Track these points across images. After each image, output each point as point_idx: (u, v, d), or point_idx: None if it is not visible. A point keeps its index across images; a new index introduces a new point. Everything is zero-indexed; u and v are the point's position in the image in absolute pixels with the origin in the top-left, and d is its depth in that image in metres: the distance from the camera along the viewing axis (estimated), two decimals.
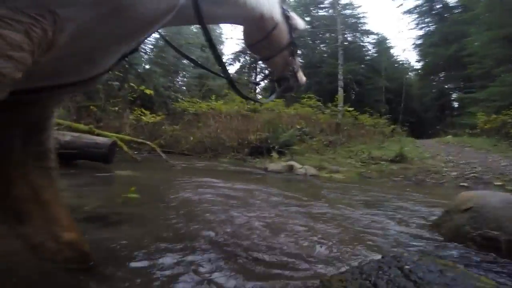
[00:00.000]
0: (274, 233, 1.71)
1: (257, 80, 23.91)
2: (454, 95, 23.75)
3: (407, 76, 27.32)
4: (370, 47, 26.57)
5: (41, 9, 0.51)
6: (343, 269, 1.05)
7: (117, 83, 10.45)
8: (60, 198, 0.95)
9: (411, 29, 29.23)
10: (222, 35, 24.05)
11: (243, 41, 1.71)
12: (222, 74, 1.44)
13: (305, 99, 12.73)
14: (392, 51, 28.36)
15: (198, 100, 12.20)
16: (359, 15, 25.60)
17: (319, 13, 27.46)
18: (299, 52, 1.97)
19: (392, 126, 13.80)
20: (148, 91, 8.58)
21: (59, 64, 0.67)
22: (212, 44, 1.19)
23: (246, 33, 1.58)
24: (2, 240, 1.02)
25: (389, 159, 7.26)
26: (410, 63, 30.01)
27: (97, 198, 2.38)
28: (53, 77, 0.73)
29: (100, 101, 9.44)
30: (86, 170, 3.87)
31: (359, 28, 25.84)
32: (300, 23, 1.71)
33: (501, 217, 1.32)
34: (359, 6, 27.17)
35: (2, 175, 0.83)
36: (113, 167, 4.13)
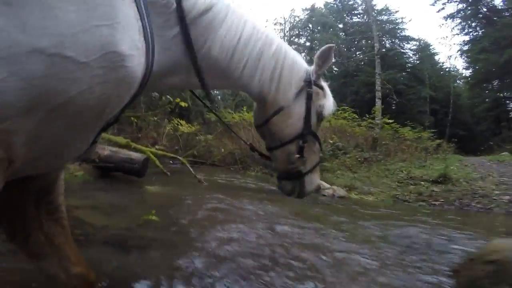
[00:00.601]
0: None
1: None
2: (511, 105, 21.25)
3: (455, 84, 25.13)
4: (411, 54, 25.11)
5: None
6: None
7: (156, 93, 11.16)
8: (70, 241, 1.13)
9: (456, 34, 26.80)
10: None
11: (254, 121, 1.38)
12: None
13: (340, 111, 12.23)
14: (436, 57, 26.44)
15: (230, 110, 12.48)
16: (397, 21, 24.39)
17: (353, 19, 26.75)
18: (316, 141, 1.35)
19: (437, 141, 12.56)
20: (183, 104, 8.99)
21: (35, 162, 0.71)
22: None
23: (254, 111, 1.32)
24: None
25: (430, 179, 6.67)
26: (457, 70, 27.62)
27: (123, 217, 2.52)
28: (35, 167, 0.77)
29: (141, 112, 10.13)
30: (120, 184, 4.16)
31: (397, 35, 24.61)
32: (328, 107, 1.27)
33: None
34: (397, 11, 25.92)
35: (21, 228, 1.01)
36: (144, 181, 4.38)
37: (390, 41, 24.83)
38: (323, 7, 27.95)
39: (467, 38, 22.93)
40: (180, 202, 3.43)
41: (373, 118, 11.64)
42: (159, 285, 1.41)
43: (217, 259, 1.81)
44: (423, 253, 2.28)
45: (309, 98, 1.18)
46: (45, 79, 0.56)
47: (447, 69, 26.49)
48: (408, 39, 24.80)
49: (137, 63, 0.72)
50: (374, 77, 12.90)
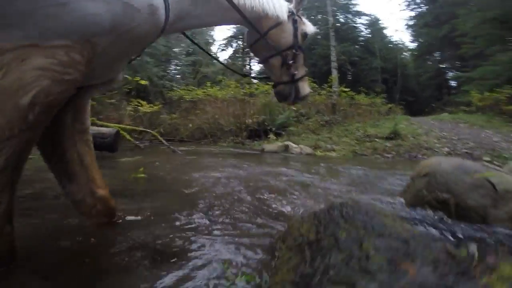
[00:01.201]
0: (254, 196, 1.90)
1: (252, 63, 23.76)
2: (450, 74, 23.73)
3: (402, 56, 27.16)
4: (363, 28, 26.28)
5: (83, 39, 0.86)
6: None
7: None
8: (95, 163, 1.26)
9: (403, 10, 28.86)
10: None
11: (246, 40, 1.69)
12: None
13: None
14: (385, 32, 28.06)
15: (193, 87, 12.20)
16: None
17: None
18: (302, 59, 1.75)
19: (389, 105, 13.81)
20: (143, 82, 8.59)
21: (91, 71, 0.96)
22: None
23: (248, 33, 1.63)
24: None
25: (383, 136, 7.43)
26: (404, 43, 29.74)
27: (110, 178, 2.55)
28: (91, 79, 1.07)
29: (97, 95, 9.49)
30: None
31: (350, 10, 25.48)
32: (309, 28, 1.72)
33: (450, 181, 1.43)
34: None
35: (58, 146, 1.16)
36: (118, 156, 4.30)
37: (344, 16, 25.63)
38: None
39: (412, 13, 24.75)
40: (163, 164, 3.50)
41: (331, 87, 12.26)
42: (172, 220, 1.56)
43: (205, 194, 2.01)
44: (377, 184, 2.71)
45: (295, 22, 1.62)
46: (121, 15, 0.91)
47: (395, 42, 28.43)
48: (360, 14, 25.84)
49: (162, 12, 1.05)
50: (330, 49, 13.42)
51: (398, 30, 53.19)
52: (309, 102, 11.22)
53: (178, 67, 19.05)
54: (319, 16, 25.39)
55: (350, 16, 25.81)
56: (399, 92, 21.69)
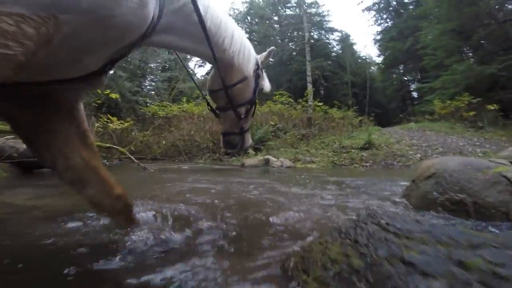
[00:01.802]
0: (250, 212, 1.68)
1: None
2: (413, 86, 25.34)
3: (370, 70, 28.68)
4: (335, 43, 27.60)
5: (48, 13, 0.70)
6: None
7: None
8: (102, 164, 1.20)
9: (371, 25, 30.93)
10: None
11: (208, 85, 1.61)
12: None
13: (277, 96, 12.90)
14: (355, 47, 29.69)
15: (168, 103, 11.86)
16: (323, 13, 26.55)
17: (287, 12, 28.07)
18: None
19: (360, 118, 14.37)
20: (113, 96, 8.15)
21: (51, 59, 0.83)
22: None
23: (214, 76, 1.53)
24: None
25: (359, 147, 7.56)
26: (372, 58, 31.56)
27: (58, 199, 2.20)
28: (48, 71, 0.90)
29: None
30: (49, 179, 3.57)
31: (324, 26, 26.77)
32: (267, 85, 1.73)
33: (462, 180, 1.35)
34: (323, 5, 28.17)
35: (59, 152, 1.08)
36: None
37: (318, 32, 26.82)
38: (261, 0, 28.50)
39: (379, 28, 26.42)
40: (131, 182, 3.15)
41: (306, 101, 12.51)
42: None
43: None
44: (370, 190, 2.60)
45: (257, 76, 1.59)
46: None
47: (363, 57, 30.08)
48: (332, 30, 27.21)
49: (152, 8, 0.93)
50: (305, 65, 13.79)
51: (367, 46, 56.82)
52: (286, 117, 11.35)
53: (153, 83, 18.60)
54: (295, 33, 26.42)
55: (323, 32, 27.07)
56: (368, 105, 22.71)
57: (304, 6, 17.31)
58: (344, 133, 9.86)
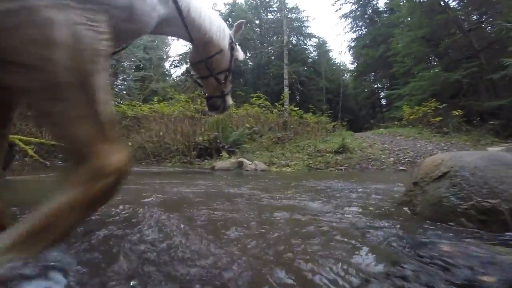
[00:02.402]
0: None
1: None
2: (382, 93, 26.18)
3: (344, 77, 29.35)
4: (311, 49, 27.93)
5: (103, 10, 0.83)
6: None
7: None
8: None
9: (347, 32, 31.58)
10: (168, 37, 22.66)
11: (189, 59, 1.86)
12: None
13: (254, 99, 12.57)
14: (330, 54, 30.27)
15: (138, 103, 11.03)
16: (303, 19, 26.78)
17: (268, 16, 28.01)
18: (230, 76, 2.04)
19: (333, 123, 14.53)
20: None
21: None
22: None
23: (193, 52, 1.76)
24: None
25: (333, 150, 7.35)
26: (346, 65, 32.34)
27: None
28: None
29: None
30: None
31: (303, 32, 26.99)
32: (240, 55, 1.98)
33: (490, 179, 0.98)
34: (304, 10, 28.40)
35: None
36: (10, 174, 3.14)
37: (296, 37, 26.95)
38: (243, 2, 28.08)
39: (354, 35, 26.94)
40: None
41: (282, 105, 12.29)
42: None
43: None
44: (356, 196, 2.22)
45: (232, 48, 1.83)
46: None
47: (338, 64, 30.72)
48: (310, 36, 27.47)
49: (158, 12, 1.17)
50: (283, 69, 13.62)
51: (342, 52, 58.06)
52: (262, 120, 11.00)
53: (126, 82, 17.49)
54: (275, 37, 26.35)
55: (301, 38, 27.25)
56: (341, 111, 23.08)
57: (285, 10, 17.20)
58: (319, 137, 9.69)
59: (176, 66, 22.88)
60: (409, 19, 14.98)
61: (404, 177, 4.20)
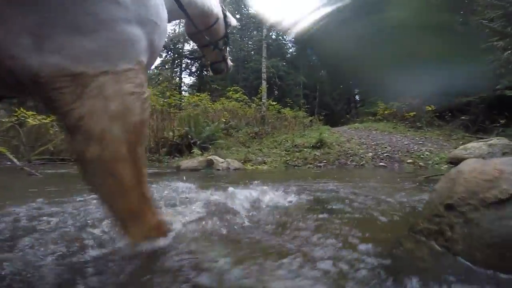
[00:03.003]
0: None
1: (183, 76, 22.10)
2: (357, 89, 26.39)
3: (320, 73, 29.31)
4: (290, 45, 27.49)
5: (138, 60, 0.80)
6: None
7: None
8: None
9: None
10: None
11: (186, 29, 1.89)
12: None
13: (231, 92, 11.94)
14: (309, 50, 30.02)
15: None
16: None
17: (250, 11, 27.09)
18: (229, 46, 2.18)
19: (310, 118, 14.31)
20: None
21: None
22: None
23: (190, 24, 1.70)
24: None
25: (311, 145, 6.95)
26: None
27: None
28: None
29: None
30: None
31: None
32: (233, 21, 2.05)
33: None
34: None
35: None
36: None
37: (276, 32, 26.31)
38: None
39: None
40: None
41: (260, 99, 11.77)
42: None
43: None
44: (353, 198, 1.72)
45: (225, 16, 1.96)
46: (152, 34, 0.88)
47: (315, 60, 30.51)
48: (288, 31, 26.99)
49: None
50: (261, 63, 13.06)
51: None
52: (240, 115, 10.40)
53: None
54: (255, 32, 25.55)
55: (280, 33, 26.67)
56: (318, 106, 22.98)
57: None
58: (296, 132, 9.27)
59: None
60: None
61: (387, 175, 3.83)
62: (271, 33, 23.25)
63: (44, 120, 7.02)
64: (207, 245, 0.93)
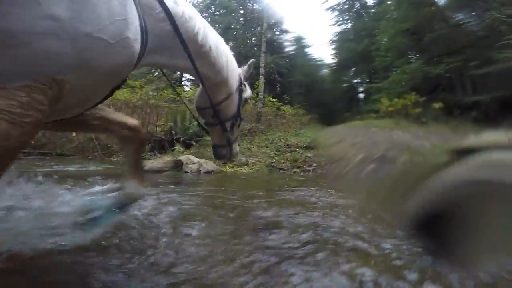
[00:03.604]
0: None
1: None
2: (360, 88, 25.26)
3: (321, 72, 28.27)
4: (290, 43, 26.59)
5: (48, 78, 0.73)
6: None
7: None
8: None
9: (331, 25, 29.57)
10: None
11: (195, 103, 1.57)
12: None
13: None
14: (309, 49, 29.01)
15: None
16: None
17: (254, 6, 26.17)
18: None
19: (310, 116, 13.81)
20: None
21: (64, 106, 0.87)
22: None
23: (200, 95, 1.49)
24: None
25: (304, 145, 6.34)
26: (324, 60, 31.00)
27: None
28: (65, 112, 0.97)
29: None
30: None
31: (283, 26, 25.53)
32: (248, 93, 1.67)
33: None
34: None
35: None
36: None
37: (278, 29, 25.41)
38: None
39: (339, 29, 25.20)
40: None
41: (257, 95, 11.17)
42: None
43: None
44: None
45: (241, 92, 1.58)
46: (89, 51, 0.78)
47: (315, 59, 29.35)
48: (288, 32, 26.00)
49: (138, 45, 0.93)
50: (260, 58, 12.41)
51: (324, 47, 54.67)
52: None
53: None
54: (258, 28, 24.67)
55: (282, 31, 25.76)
56: (317, 105, 22.14)
57: None
58: (292, 130, 8.66)
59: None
60: (396, 12, 13.81)
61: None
62: (274, 29, 22.45)
63: None
64: None
